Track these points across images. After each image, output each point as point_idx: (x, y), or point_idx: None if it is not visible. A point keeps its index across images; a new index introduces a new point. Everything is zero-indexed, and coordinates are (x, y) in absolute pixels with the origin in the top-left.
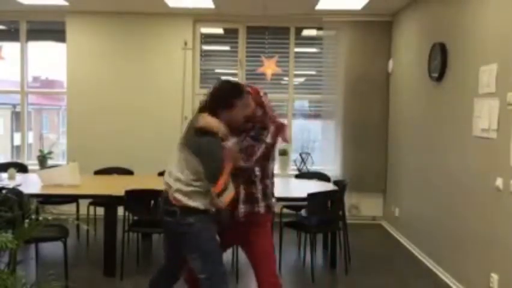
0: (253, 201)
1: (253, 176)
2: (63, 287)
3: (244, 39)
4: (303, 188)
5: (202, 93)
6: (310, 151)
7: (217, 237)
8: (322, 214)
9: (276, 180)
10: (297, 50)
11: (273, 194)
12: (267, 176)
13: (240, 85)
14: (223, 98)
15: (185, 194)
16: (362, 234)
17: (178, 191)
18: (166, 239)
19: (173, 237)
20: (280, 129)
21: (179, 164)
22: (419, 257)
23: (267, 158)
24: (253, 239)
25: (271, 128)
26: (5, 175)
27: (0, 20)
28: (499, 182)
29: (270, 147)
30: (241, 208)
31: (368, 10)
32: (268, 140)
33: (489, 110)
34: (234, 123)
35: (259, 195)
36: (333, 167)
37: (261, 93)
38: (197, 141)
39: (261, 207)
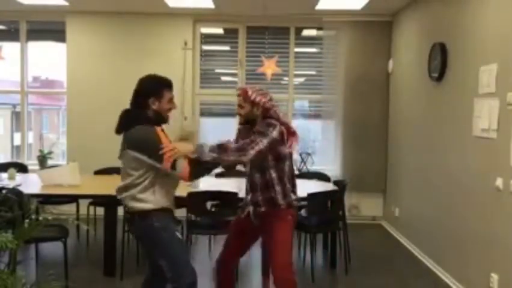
0: (274, 204)
1: (270, 181)
2: (63, 287)
3: (244, 39)
4: (303, 188)
5: (202, 93)
6: (310, 151)
7: (179, 235)
8: (322, 214)
9: None
10: (297, 50)
11: (294, 192)
12: (285, 175)
13: (168, 79)
14: (153, 87)
15: (135, 198)
16: (362, 234)
17: (128, 198)
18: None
19: (140, 242)
20: (290, 130)
21: (122, 172)
22: (419, 257)
23: (279, 158)
24: (272, 232)
25: (278, 127)
26: (5, 175)
27: (0, 20)
28: (499, 182)
29: (276, 143)
30: (262, 209)
31: (368, 10)
32: (274, 135)
33: (489, 110)
34: (160, 116)
35: (279, 196)
36: (333, 167)
37: (250, 92)
38: (128, 136)
39: (282, 205)
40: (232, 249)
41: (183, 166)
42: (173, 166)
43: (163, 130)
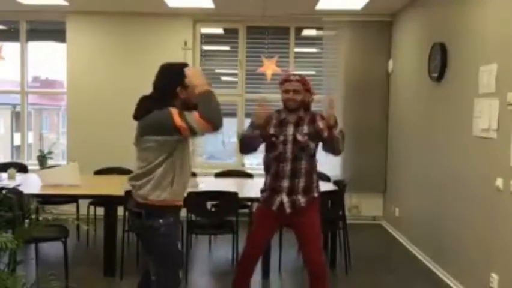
0: (312, 190)
1: (313, 168)
2: (63, 287)
3: (244, 39)
4: None
5: None
6: None
7: (179, 245)
8: (322, 214)
9: None
10: (297, 50)
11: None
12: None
13: (185, 63)
14: (178, 76)
15: (153, 185)
16: (362, 234)
17: (143, 185)
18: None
19: (139, 238)
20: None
21: (137, 161)
22: (419, 257)
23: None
24: (310, 222)
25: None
26: (5, 175)
27: (0, 20)
28: (499, 182)
29: None
30: (301, 199)
31: (368, 10)
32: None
33: (489, 110)
34: (189, 103)
35: (316, 184)
36: (333, 167)
37: (308, 82)
38: (144, 122)
39: (316, 193)
40: (257, 243)
41: (195, 116)
42: (192, 131)
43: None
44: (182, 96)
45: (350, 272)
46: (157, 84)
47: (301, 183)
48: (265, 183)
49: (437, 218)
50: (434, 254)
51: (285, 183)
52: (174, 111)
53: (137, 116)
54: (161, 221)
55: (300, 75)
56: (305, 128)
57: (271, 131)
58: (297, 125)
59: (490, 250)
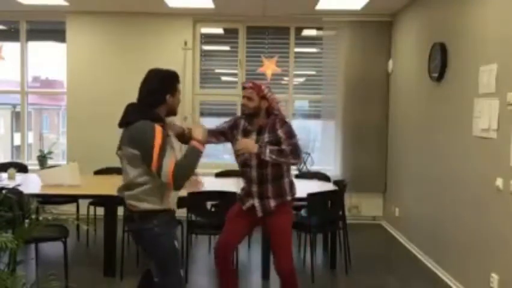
0: (283, 194)
1: (281, 172)
2: (63, 287)
3: (244, 39)
4: (303, 188)
5: (202, 93)
6: (310, 151)
7: (176, 244)
8: (322, 214)
9: None
10: (297, 50)
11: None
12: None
13: (175, 72)
14: (169, 83)
15: (137, 198)
16: (362, 234)
17: (130, 197)
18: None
19: (136, 243)
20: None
21: (124, 170)
22: (419, 257)
23: None
24: (280, 226)
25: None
26: (5, 175)
27: (0, 20)
28: (499, 182)
29: None
30: (272, 202)
31: (367, 10)
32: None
33: (489, 110)
34: (173, 110)
35: (287, 188)
36: (333, 167)
37: (263, 87)
38: (127, 131)
39: (288, 197)
40: (230, 234)
41: (167, 173)
42: (158, 172)
43: (164, 127)
44: (169, 103)
45: (350, 272)
46: (143, 90)
47: (270, 188)
48: (242, 188)
49: (437, 218)
50: (434, 254)
51: (255, 188)
52: (157, 142)
53: (121, 124)
54: (155, 221)
55: (253, 83)
56: (266, 137)
57: (239, 137)
58: (259, 133)
59: (490, 250)
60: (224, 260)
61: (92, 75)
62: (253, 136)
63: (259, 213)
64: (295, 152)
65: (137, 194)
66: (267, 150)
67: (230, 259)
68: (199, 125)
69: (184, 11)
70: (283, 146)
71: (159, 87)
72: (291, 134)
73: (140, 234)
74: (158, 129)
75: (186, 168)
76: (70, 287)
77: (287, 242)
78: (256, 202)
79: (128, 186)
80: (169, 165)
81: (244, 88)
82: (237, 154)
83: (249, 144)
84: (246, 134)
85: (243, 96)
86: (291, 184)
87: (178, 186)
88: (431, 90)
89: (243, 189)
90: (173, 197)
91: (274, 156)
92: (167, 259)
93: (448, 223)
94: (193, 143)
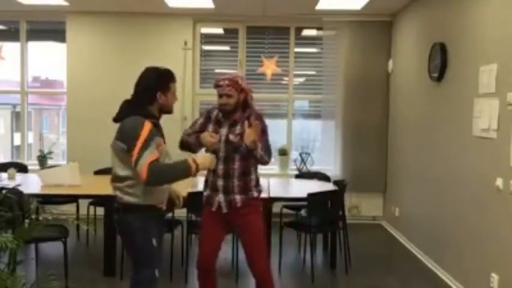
0: (247, 191)
1: (248, 168)
2: (63, 287)
3: (244, 39)
4: (303, 188)
5: (202, 93)
6: (310, 151)
7: (155, 242)
8: (322, 214)
9: (276, 180)
10: (297, 50)
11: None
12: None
13: (172, 71)
14: (161, 81)
15: (122, 190)
16: (362, 234)
17: (116, 188)
18: None
19: (119, 234)
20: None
21: (112, 162)
22: (419, 257)
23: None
24: (249, 225)
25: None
26: (5, 175)
27: (0, 20)
28: (499, 182)
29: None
30: (237, 198)
31: (367, 10)
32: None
33: (489, 110)
34: (167, 108)
35: (253, 184)
36: (333, 167)
37: (239, 81)
38: (120, 126)
39: (255, 193)
40: (208, 248)
41: (143, 164)
42: (135, 164)
43: (156, 125)
44: (161, 101)
45: (350, 272)
46: (137, 87)
47: (236, 182)
48: (205, 180)
49: (437, 217)
50: (434, 254)
51: (220, 182)
52: (143, 134)
53: (116, 119)
54: (135, 216)
55: (229, 79)
56: (238, 128)
57: (210, 128)
58: (231, 125)
59: (490, 250)
60: (206, 273)
61: (92, 75)
62: (226, 127)
63: (224, 210)
64: (267, 150)
65: (122, 187)
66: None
67: (212, 272)
68: (209, 155)
69: (184, 11)
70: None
71: (151, 85)
72: (263, 131)
73: (119, 226)
74: (146, 124)
75: (165, 173)
76: (70, 287)
77: (261, 243)
78: (221, 198)
79: (114, 178)
80: (148, 158)
81: (219, 86)
82: (206, 147)
83: (208, 159)
84: (218, 124)
85: (221, 95)
86: (257, 181)
87: (147, 182)
88: (431, 90)
89: (208, 186)
90: (158, 194)
91: (261, 152)
92: (142, 255)
93: (448, 223)
94: (190, 161)
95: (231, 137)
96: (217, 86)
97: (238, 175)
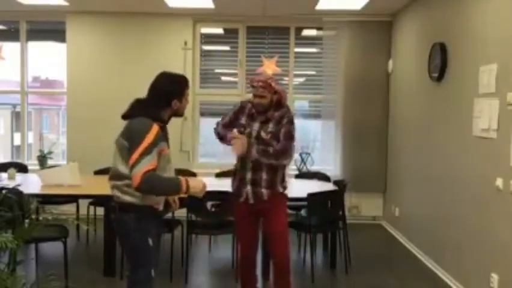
0: (275, 185)
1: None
2: (63, 287)
3: (244, 39)
4: (303, 188)
5: (202, 93)
6: (310, 151)
7: (151, 242)
8: (322, 214)
9: None
10: (297, 50)
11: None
12: None
13: (186, 77)
14: (178, 89)
15: (120, 189)
16: (362, 234)
17: (115, 187)
18: None
19: (115, 233)
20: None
21: (114, 159)
22: (419, 257)
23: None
24: (276, 218)
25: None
26: (5, 175)
27: (0, 20)
28: (499, 182)
29: None
30: (264, 191)
31: (367, 10)
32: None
33: (489, 110)
34: (180, 113)
35: (279, 180)
36: (333, 167)
37: (272, 83)
38: (127, 124)
39: (280, 189)
40: (248, 242)
41: (138, 171)
42: (132, 167)
43: (162, 129)
44: (175, 107)
45: (350, 272)
46: (152, 90)
47: (264, 176)
48: (234, 172)
49: (437, 217)
50: (434, 254)
51: (249, 175)
52: (148, 139)
53: (124, 116)
54: (131, 215)
55: (262, 81)
56: (270, 126)
57: (243, 120)
58: (264, 122)
59: (490, 250)
60: (249, 268)
61: (92, 75)
62: (258, 123)
63: (251, 200)
64: (280, 154)
65: (121, 185)
66: (254, 150)
67: (254, 270)
68: (203, 183)
69: (184, 11)
70: (275, 144)
71: (168, 91)
72: (288, 136)
73: (116, 225)
74: (154, 127)
75: (156, 185)
76: (70, 287)
77: (285, 236)
78: (249, 190)
79: (114, 176)
80: (144, 166)
81: (253, 87)
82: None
83: (239, 144)
84: (252, 118)
85: (255, 95)
86: (283, 177)
87: (137, 189)
88: (431, 90)
89: (236, 178)
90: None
91: (258, 156)
92: (137, 255)
93: (447, 223)
94: (183, 181)
95: (263, 134)
96: (252, 86)
97: (267, 169)
